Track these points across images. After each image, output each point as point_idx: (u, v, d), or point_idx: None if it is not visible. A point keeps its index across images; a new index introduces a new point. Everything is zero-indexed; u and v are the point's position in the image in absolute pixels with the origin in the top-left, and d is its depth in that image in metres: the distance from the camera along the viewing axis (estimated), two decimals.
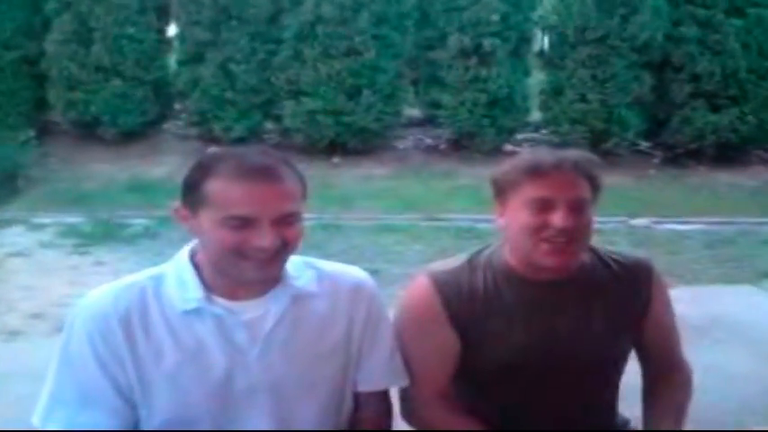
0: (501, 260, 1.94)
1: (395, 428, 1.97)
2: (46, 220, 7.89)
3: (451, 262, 1.98)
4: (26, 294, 5.78)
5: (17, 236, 7.44)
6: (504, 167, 1.90)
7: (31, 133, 10.31)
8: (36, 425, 1.63)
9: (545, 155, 1.85)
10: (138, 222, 7.69)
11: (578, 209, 1.81)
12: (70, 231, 7.56)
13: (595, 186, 1.86)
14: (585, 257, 1.96)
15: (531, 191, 1.82)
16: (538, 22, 11.07)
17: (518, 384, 1.91)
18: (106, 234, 7.48)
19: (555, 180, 1.80)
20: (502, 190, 1.89)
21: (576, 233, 1.81)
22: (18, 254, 6.87)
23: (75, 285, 5.87)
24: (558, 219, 1.78)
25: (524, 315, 1.90)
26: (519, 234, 1.85)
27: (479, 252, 2.00)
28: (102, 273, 6.20)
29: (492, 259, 1.95)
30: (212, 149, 1.74)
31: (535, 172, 1.82)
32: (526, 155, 1.91)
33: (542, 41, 12.34)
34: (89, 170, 9.85)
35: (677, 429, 1.92)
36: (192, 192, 1.61)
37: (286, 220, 1.59)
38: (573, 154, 1.86)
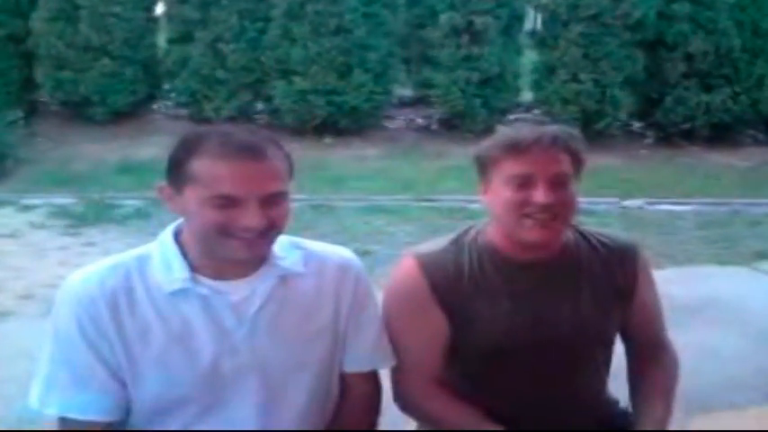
0: (486, 239, 1.93)
1: (387, 413, 1.95)
2: (36, 201, 7.84)
3: (437, 243, 1.97)
4: (16, 275, 5.75)
5: (7, 217, 7.39)
6: (484, 144, 1.89)
7: (19, 113, 10.23)
8: (35, 407, 1.63)
9: (525, 131, 1.84)
10: (129, 203, 7.64)
11: (560, 184, 1.80)
12: (60, 212, 7.52)
13: (577, 161, 1.85)
14: (572, 238, 1.95)
15: (511, 167, 1.81)
16: (530, 0, 11.02)
17: (506, 366, 1.90)
18: (96, 215, 7.44)
19: (535, 156, 1.79)
20: (484, 167, 1.89)
21: (559, 208, 1.80)
22: (8, 235, 6.83)
23: (65, 266, 5.84)
24: (539, 195, 1.78)
25: (510, 296, 1.89)
26: (502, 211, 1.84)
27: (465, 232, 1.99)
28: (93, 253, 6.17)
29: (478, 239, 1.95)
30: (197, 128, 1.71)
31: (514, 148, 1.81)
32: (506, 131, 1.91)
33: (535, 20, 12.30)
34: (79, 151, 9.78)
35: (668, 411, 1.91)
36: (176, 170, 1.59)
37: (273, 200, 1.57)
38: (552, 129, 1.85)
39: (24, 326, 4.69)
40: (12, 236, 6.82)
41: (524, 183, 1.79)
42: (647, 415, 1.89)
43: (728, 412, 3.21)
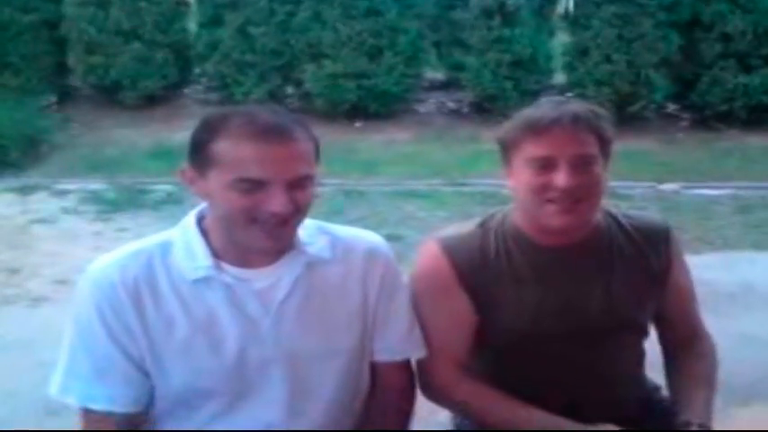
0: (512, 224, 1.87)
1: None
2: (69, 187, 7.89)
3: (463, 227, 1.91)
4: (50, 261, 5.78)
5: (40, 202, 7.44)
6: (506, 126, 1.82)
7: (52, 98, 10.30)
8: (54, 395, 1.61)
9: (545, 110, 1.75)
10: (161, 188, 7.65)
11: (582, 166, 1.71)
12: (93, 197, 7.55)
13: (603, 140, 1.76)
14: (602, 221, 1.88)
15: (531, 149, 1.73)
16: None
17: (534, 352, 1.85)
18: (129, 200, 7.46)
19: (555, 136, 1.71)
20: (506, 150, 1.82)
21: (582, 192, 1.72)
22: (42, 220, 6.87)
23: (98, 251, 5.78)
24: (560, 178, 1.70)
25: (536, 281, 1.83)
26: (524, 195, 1.77)
27: (492, 216, 1.92)
28: (125, 239, 6.18)
29: (504, 223, 1.88)
30: (221, 108, 1.65)
31: (533, 129, 1.73)
32: (527, 111, 1.81)
33: (567, 1, 12.13)
34: (111, 135, 9.81)
35: (710, 402, 1.85)
36: (199, 152, 1.53)
37: (299, 184, 1.52)
38: (574, 107, 1.76)
39: (58, 311, 4.70)
40: (45, 221, 6.86)
41: (545, 165, 1.72)
42: (689, 406, 1.82)
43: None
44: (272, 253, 1.61)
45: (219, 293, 1.59)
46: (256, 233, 1.51)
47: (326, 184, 7.27)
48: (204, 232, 1.62)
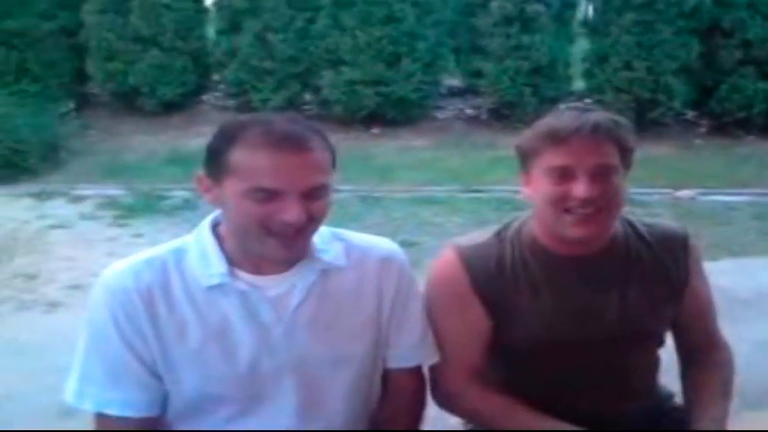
0: (528, 233, 1.85)
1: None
2: (86, 192, 7.94)
3: (479, 236, 1.90)
4: (66, 266, 5.82)
5: (58, 208, 7.49)
6: (526, 134, 1.79)
7: (71, 105, 10.36)
8: (70, 402, 1.61)
9: (566, 119, 1.73)
10: (178, 194, 7.67)
11: (602, 176, 1.69)
12: (110, 203, 7.59)
13: (624, 150, 1.74)
14: (620, 230, 1.86)
15: (550, 158, 1.71)
16: None
17: (550, 362, 1.83)
18: (146, 206, 7.50)
19: (575, 146, 1.68)
20: (525, 158, 1.79)
21: (602, 202, 1.70)
22: (59, 226, 6.92)
23: (114, 257, 5.85)
24: (579, 189, 1.68)
25: (553, 291, 1.81)
26: (542, 204, 1.75)
27: (508, 225, 1.91)
28: (141, 244, 6.20)
29: (521, 232, 1.87)
30: (237, 116, 1.65)
31: (553, 138, 1.70)
32: (547, 119, 1.78)
33: (586, 7, 12.10)
34: (129, 142, 9.87)
35: (726, 413, 1.82)
36: (215, 160, 1.53)
37: (315, 194, 1.51)
38: (595, 116, 1.73)
39: (73, 317, 4.73)
40: (62, 226, 6.91)
41: (564, 175, 1.70)
42: (704, 416, 1.80)
43: None
44: (286, 263, 1.60)
45: (233, 300, 1.58)
46: (271, 243, 1.51)
47: (343, 191, 7.28)
48: (219, 239, 1.61)
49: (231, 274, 1.58)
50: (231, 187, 1.50)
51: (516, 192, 1.87)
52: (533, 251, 1.84)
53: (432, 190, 8.00)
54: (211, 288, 1.58)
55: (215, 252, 1.59)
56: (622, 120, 1.79)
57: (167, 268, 1.60)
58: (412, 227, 6.80)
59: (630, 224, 1.91)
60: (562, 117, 1.76)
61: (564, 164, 1.70)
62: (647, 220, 1.97)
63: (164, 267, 1.60)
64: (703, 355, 1.94)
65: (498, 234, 1.89)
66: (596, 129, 1.69)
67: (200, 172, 1.59)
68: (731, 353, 1.97)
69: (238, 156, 1.49)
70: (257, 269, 1.60)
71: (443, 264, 1.87)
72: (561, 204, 1.71)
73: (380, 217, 7.15)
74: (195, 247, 1.62)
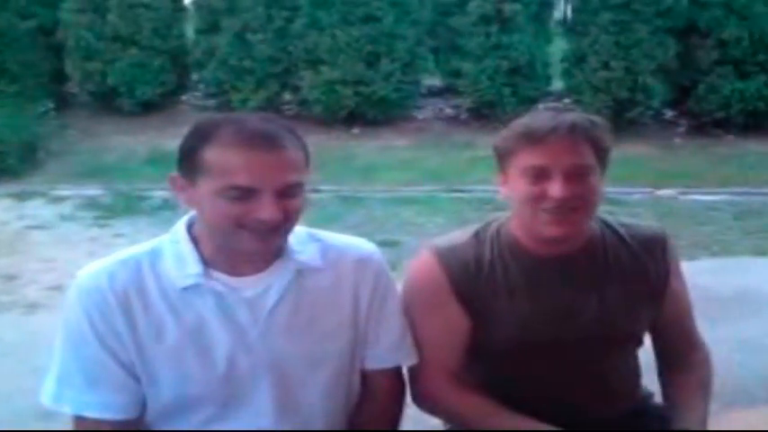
0: (507, 233, 1.85)
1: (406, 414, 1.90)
2: (66, 193, 7.92)
3: (457, 236, 1.89)
4: (46, 267, 5.81)
5: (38, 208, 7.47)
6: (502, 134, 1.79)
7: (50, 104, 10.30)
8: (47, 404, 1.59)
9: (542, 119, 1.73)
10: (158, 194, 7.67)
11: (578, 176, 1.70)
12: (90, 204, 7.57)
13: (600, 150, 1.74)
14: (597, 230, 1.87)
15: (526, 158, 1.71)
16: None
17: (529, 363, 1.83)
18: (125, 206, 7.49)
19: (551, 146, 1.69)
20: (502, 158, 1.79)
21: (578, 202, 1.70)
22: (38, 226, 6.90)
23: (94, 257, 5.74)
24: (555, 188, 1.68)
25: (531, 291, 1.81)
26: (519, 204, 1.76)
27: (487, 225, 1.90)
28: (122, 245, 6.14)
29: (500, 232, 1.86)
30: (210, 115, 1.64)
31: (529, 138, 1.70)
32: (524, 119, 1.78)
33: (564, 7, 12.16)
34: (108, 142, 9.84)
35: (706, 412, 1.83)
36: (188, 160, 1.52)
37: (289, 192, 1.50)
38: (571, 116, 1.73)
39: (53, 318, 4.69)
40: (42, 227, 6.88)
41: (540, 175, 1.70)
42: (684, 415, 1.81)
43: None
44: (261, 258, 1.59)
45: (209, 301, 1.57)
46: (246, 237, 1.50)
47: (324, 190, 7.28)
48: (194, 240, 1.60)
49: (206, 274, 1.57)
50: (205, 186, 1.49)
51: (497, 191, 1.87)
52: (512, 251, 1.84)
53: (413, 190, 8.02)
54: (187, 289, 1.56)
55: (190, 253, 1.58)
56: (599, 120, 1.79)
57: (142, 269, 1.58)
58: (393, 226, 6.83)
59: (607, 224, 1.91)
60: (538, 117, 1.77)
61: (540, 164, 1.70)
62: (625, 220, 1.98)
63: (138, 268, 1.58)
64: (682, 355, 1.94)
65: (477, 234, 1.88)
66: (572, 129, 1.70)
67: (174, 172, 1.58)
68: (709, 353, 1.98)
69: (211, 155, 1.48)
70: (233, 270, 1.59)
71: (421, 264, 1.86)
72: (537, 204, 1.72)
73: (362, 217, 7.17)
74: (170, 248, 1.60)
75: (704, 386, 1.90)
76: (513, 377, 1.86)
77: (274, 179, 1.48)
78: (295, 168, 1.52)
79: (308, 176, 1.56)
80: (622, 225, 1.92)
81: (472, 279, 1.81)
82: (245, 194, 1.47)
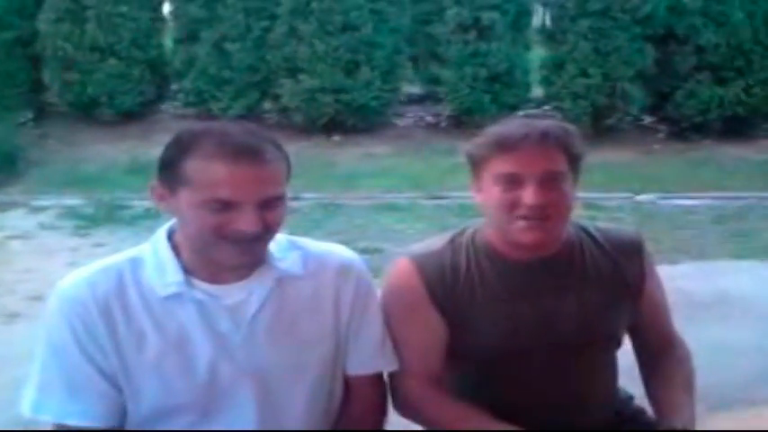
0: (482, 239, 1.87)
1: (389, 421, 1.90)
2: (46, 203, 7.86)
3: (434, 243, 1.91)
4: (26, 277, 5.74)
5: (18, 219, 7.41)
6: (475, 141, 1.83)
7: (29, 115, 10.28)
8: (27, 414, 1.58)
9: (514, 126, 1.77)
10: (138, 203, 7.61)
11: (550, 183, 1.72)
12: (70, 213, 7.52)
13: (572, 157, 1.77)
14: (573, 235, 1.89)
15: (499, 166, 1.74)
16: None
17: (509, 368, 1.84)
18: (106, 216, 7.44)
19: (523, 154, 1.72)
20: (475, 165, 1.82)
21: (551, 209, 1.73)
22: (18, 236, 6.84)
23: (75, 267, 5.69)
24: (528, 195, 1.71)
25: (508, 297, 1.83)
26: (494, 211, 1.78)
27: (462, 232, 1.92)
28: (103, 254, 6.01)
29: (475, 238, 1.88)
30: (192, 125, 1.64)
31: (502, 146, 1.74)
32: (496, 127, 1.82)
33: (543, 15, 12.22)
34: (88, 152, 9.78)
35: (692, 404, 1.84)
36: (170, 170, 1.52)
37: (271, 204, 1.51)
38: (543, 123, 1.77)
39: (32, 328, 4.66)
40: (22, 237, 6.83)
41: (513, 182, 1.72)
42: (672, 410, 1.82)
43: (749, 410, 3.15)
44: (242, 269, 1.60)
45: (191, 310, 1.57)
46: (226, 249, 1.51)
47: (305, 198, 7.28)
48: (175, 248, 1.60)
49: (188, 283, 1.57)
50: (186, 198, 1.50)
51: None
52: (488, 257, 1.86)
53: (394, 197, 8.02)
54: (168, 298, 1.57)
55: (171, 261, 1.58)
56: (571, 127, 1.82)
57: (123, 278, 1.58)
58: (374, 234, 6.82)
59: (583, 229, 1.93)
60: (511, 125, 1.80)
61: (512, 171, 1.73)
62: (600, 224, 2.00)
63: (120, 277, 1.58)
64: (662, 353, 1.96)
65: (452, 240, 1.90)
66: (544, 136, 1.73)
67: (154, 181, 1.58)
68: (689, 351, 2.01)
69: (193, 167, 1.48)
70: (214, 278, 1.59)
71: (398, 272, 1.88)
72: (511, 211, 1.74)
73: (343, 224, 7.15)
74: (151, 257, 1.61)
75: (687, 379, 1.92)
76: (493, 382, 1.87)
77: (257, 192, 1.49)
78: (277, 181, 1.53)
79: (288, 188, 1.57)
80: (598, 230, 1.95)
81: (449, 285, 1.83)
82: (226, 206, 1.47)
